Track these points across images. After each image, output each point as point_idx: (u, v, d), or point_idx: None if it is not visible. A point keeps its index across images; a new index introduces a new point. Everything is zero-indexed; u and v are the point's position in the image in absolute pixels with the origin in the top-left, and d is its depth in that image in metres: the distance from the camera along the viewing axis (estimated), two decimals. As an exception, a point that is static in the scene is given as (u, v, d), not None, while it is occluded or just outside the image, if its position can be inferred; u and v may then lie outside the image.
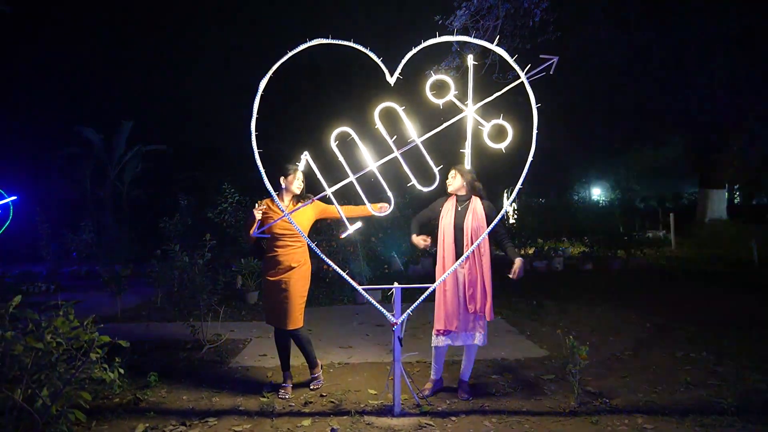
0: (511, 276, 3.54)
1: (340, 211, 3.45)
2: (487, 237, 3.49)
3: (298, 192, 3.64)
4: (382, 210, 3.63)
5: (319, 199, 3.60)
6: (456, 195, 3.68)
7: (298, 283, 3.61)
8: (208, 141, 21.19)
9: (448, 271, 3.43)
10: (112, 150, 16.42)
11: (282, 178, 3.62)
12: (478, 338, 3.53)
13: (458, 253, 3.52)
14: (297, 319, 3.61)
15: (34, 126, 18.20)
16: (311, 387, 3.79)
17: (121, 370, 2.50)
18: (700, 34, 9.52)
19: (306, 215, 3.64)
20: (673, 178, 27.65)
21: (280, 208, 3.47)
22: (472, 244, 3.46)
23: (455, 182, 3.64)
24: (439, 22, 7.45)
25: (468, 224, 3.53)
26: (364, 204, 3.48)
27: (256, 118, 3.13)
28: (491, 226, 3.42)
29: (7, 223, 11.13)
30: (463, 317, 3.51)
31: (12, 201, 13.41)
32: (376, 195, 3.81)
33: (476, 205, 3.60)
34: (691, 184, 27.39)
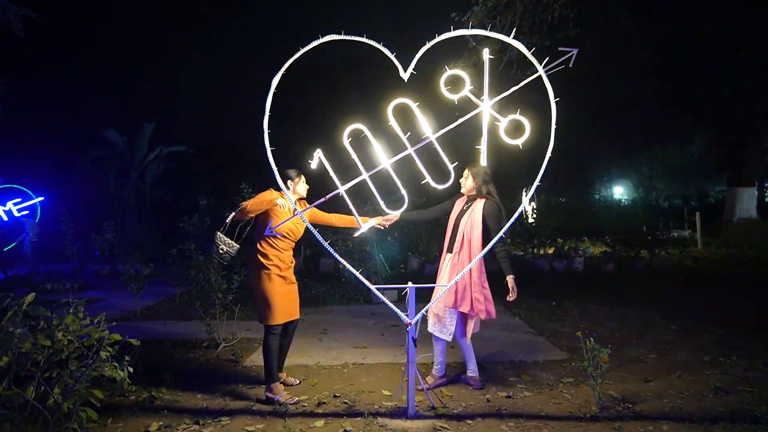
0: (509, 299, 3.55)
1: (356, 214, 3.43)
2: (480, 239, 3.50)
3: (304, 194, 3.78)
4: (386, 221, 3.76)
5: (331, 198, 3.56)
6: (467, 194, 3.75)
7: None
8: (229, 142, 21.49)
9: (445, 268, 3.64)
10: (135, 151, 16.72)
11: (289, 181, 3.68)
12: (436, 328, 3.62)
13: (450, 251, 3.66)
14: None
15: (60, 129, 18.73)
16: (294, 384, 3.90)
17: (130, 369, 2.50)
18: (728, 24, 9.19)
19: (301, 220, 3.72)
20: (698, 177, 26.87)
21: (293, 208, 3.50)
22: (462, 243, 3.55)
23: (467, 183, 3.69)
24: (456, 19, 7.36)
25: (462, 224, 3.60)
26: (381, 204, 3.41)
27: (270, 116, 3.11)
28: (497, 235, 3.33)
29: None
30: (441, 311, 3.62)
31: (39, 202, 13.86)
32: (389, 193, 3.77)
33: (477, 206, 3.62)
34: (717, 182, 26.61)
